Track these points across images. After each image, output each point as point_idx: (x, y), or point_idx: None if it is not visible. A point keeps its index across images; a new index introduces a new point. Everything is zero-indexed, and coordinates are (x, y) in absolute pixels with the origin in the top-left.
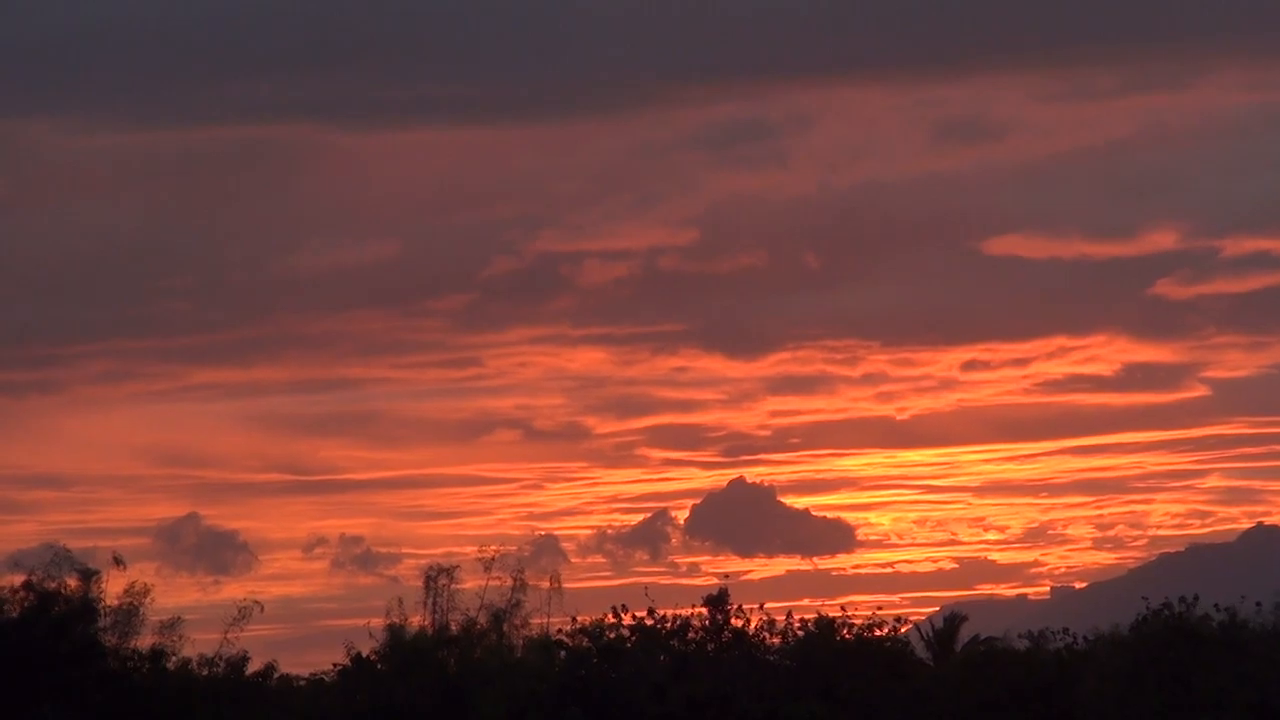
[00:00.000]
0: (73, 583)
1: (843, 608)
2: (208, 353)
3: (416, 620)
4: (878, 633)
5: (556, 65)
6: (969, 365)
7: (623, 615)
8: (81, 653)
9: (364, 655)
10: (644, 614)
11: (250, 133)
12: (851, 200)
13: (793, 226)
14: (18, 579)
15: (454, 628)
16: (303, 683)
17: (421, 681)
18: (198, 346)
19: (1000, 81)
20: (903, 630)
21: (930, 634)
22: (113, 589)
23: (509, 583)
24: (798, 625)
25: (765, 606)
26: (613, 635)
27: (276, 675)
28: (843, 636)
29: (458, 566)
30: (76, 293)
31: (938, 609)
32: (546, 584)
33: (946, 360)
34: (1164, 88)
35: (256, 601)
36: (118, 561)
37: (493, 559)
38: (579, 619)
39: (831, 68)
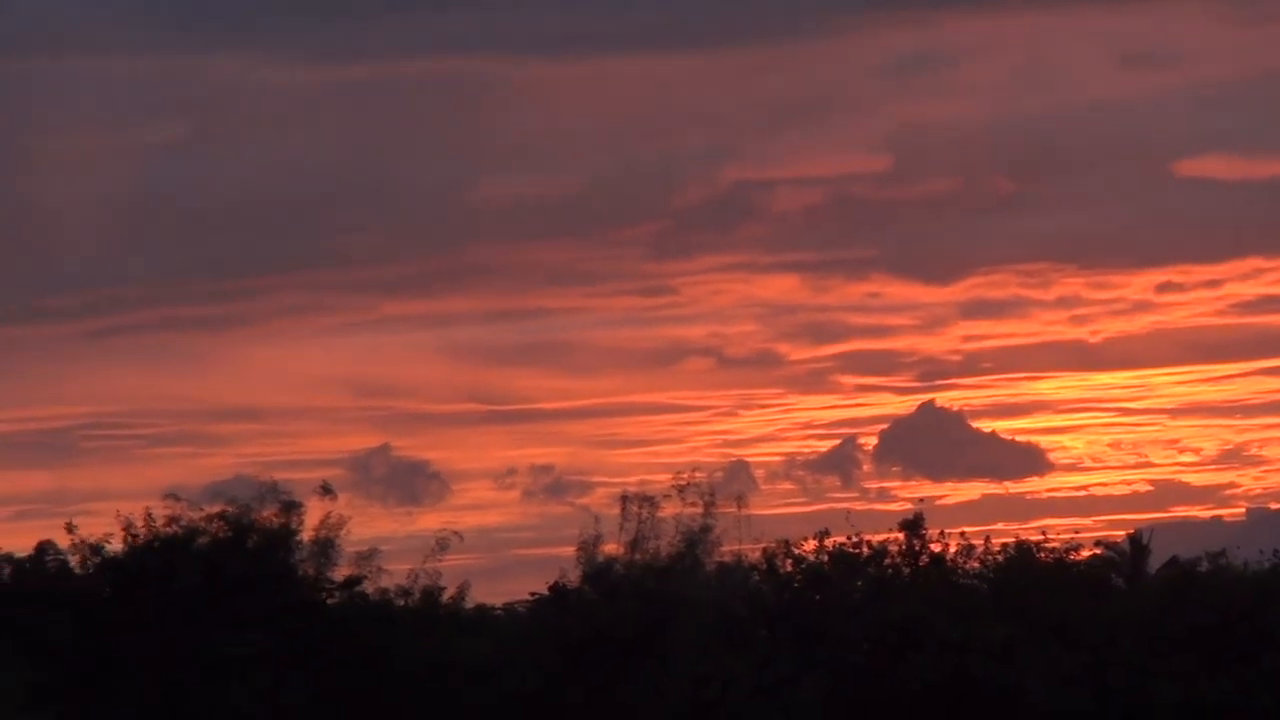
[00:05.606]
0: (273, 515)
1: (1042, 531)
2: (398, 284)
3: (611, 548)
4: (1075, 556)
5: None
6: (1163, 287)
7: (825, 540)
8: (278, 579)
9: (564, 584)
10: (844, 539)
11: (437, 66)
12: (1040, 125)
13: (983, 151)
14: (216, 509)
15: (650, 554)
16: (499, 612)
17: (623, 608)
18: (388, 278)
19: (1183, 7)
20: (1097, 553)
21: (1122, 557)
22: (310, 521)
23: (701, 509)
24: (997, 549)
25: (963, 531)
26: (823, 559)
27: (471, 604)
28: (1041, 560)
29: (654, 495)
30: (268, 227)
31: (1132, 531)
32: (734, 510)
33: (1140, 283)
34: None
35: (455, 532)
36: (326, 491)
37: (687, 485)
38: (785, 544)
39: None
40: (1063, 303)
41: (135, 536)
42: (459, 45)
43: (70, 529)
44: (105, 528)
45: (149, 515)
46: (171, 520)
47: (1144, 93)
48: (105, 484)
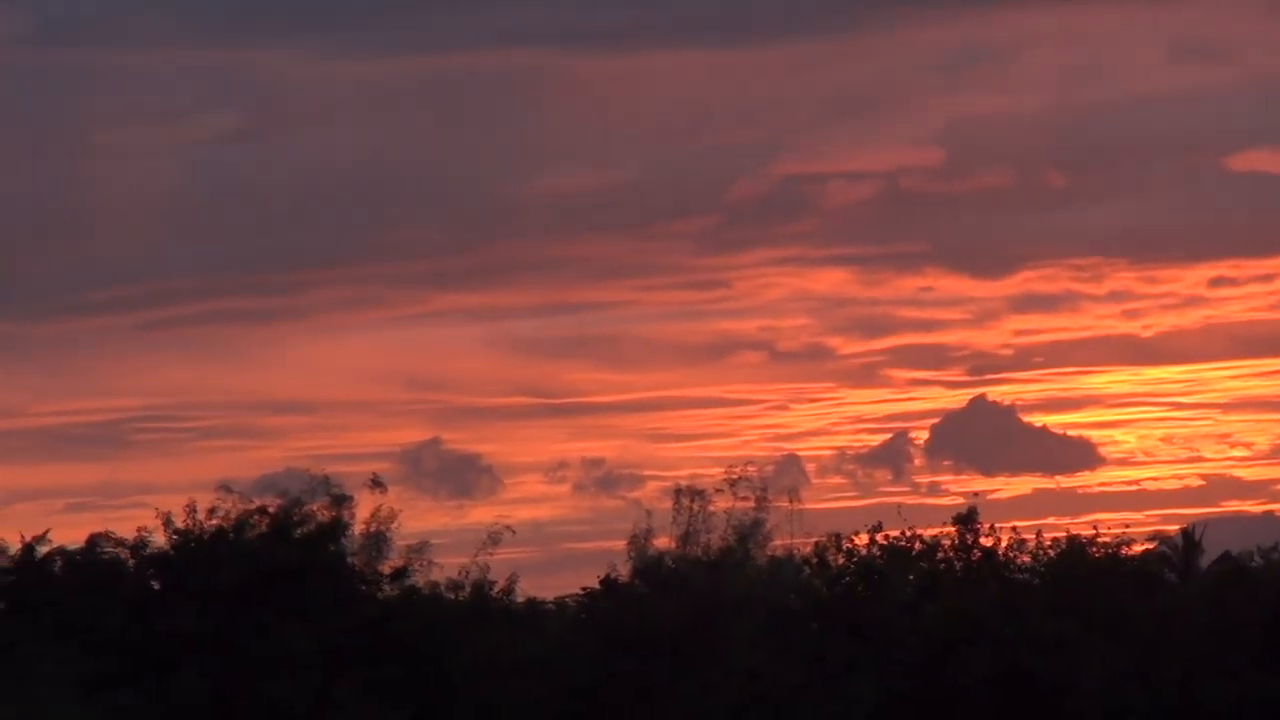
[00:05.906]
0: (323, 509)
1: (1094, 526)
2: (449, 278)
3: (663, 542)
4: (1126, 551)
5: None
6: (1215, 282)
7: (878, 535)
8: (328, 572)
9: (614, 578)
10: (897, 533)
11: (488, 59)
12: (1092, 119)
13: (1035, 145)
14: (265, 502)
15: (701, 549)
16: (549, 605)
17: (674, 602)
18: (440, 271)
19: None
20: (1151, 548)
21: (1173, 552)
22: (360, 514)
23: (752, 503)
24: (1048, 544)
25: (1014, 526)
26: (876, 554)
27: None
28: (1093, 555)
29: (706, 489)
30: (319, 220)
31: (1184, 526)
32: (786, 503)
33: (1192, 277)
34: None
35: (508, 526)
36: (376, 484)
37: (739, 479)
38: (836, 538)
39: None
40: (1114, 297)
41: (177, 533)
42: (510, 39)
43: (108, 535)
44: (154, 522)
45: (191, 509)
46: (211, 513)
47: (1196, 86)
48: (156, 477)
